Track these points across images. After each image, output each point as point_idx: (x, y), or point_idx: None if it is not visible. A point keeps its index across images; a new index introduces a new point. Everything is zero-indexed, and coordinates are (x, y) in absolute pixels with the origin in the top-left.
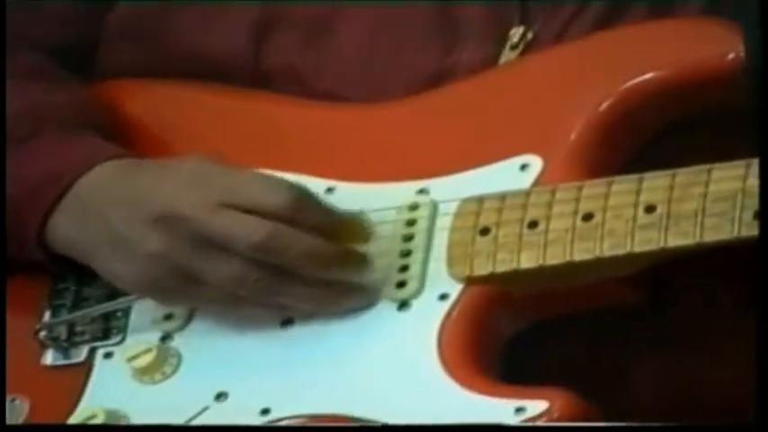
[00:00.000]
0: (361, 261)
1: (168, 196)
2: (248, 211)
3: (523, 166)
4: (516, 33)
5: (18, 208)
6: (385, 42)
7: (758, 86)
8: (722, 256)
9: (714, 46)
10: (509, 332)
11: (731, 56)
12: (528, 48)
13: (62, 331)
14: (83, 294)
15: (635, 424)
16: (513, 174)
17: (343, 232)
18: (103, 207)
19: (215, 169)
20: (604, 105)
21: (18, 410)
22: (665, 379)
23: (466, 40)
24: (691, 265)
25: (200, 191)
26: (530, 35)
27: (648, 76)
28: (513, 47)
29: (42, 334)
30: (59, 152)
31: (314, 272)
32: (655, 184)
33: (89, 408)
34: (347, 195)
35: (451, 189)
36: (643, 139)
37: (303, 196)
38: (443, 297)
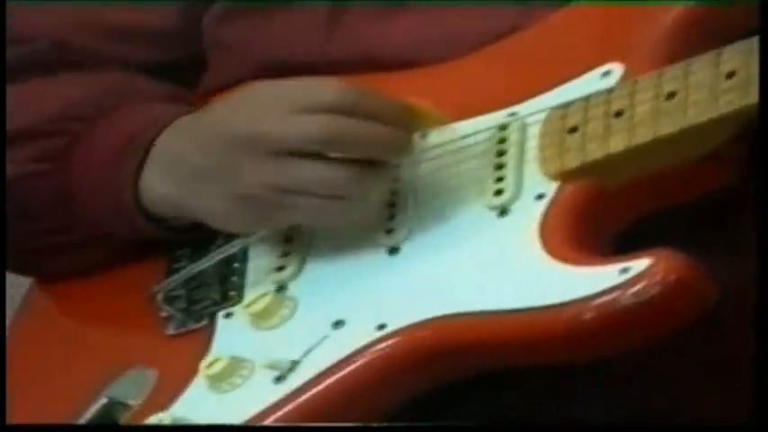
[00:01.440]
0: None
1: (230, 121)
2: (313, 112)
3: (605, 73)
4: None
5: (108, 174)
6: (460, 10)
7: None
8: None
9: None
10: (608, 230)
11: None
12: None
13: (182, 301)
14: (197, 263)
15: (634, 424)
16: (595, 81)
17: (410, 116)
18: (186, 151)
19: (276, 85)
20: (692, 3)
21: (147, 379)
22: None
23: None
24: None
25: (267, 109)
26: None
27: None
28: None
29: (163, 303)
30: (139, 117)
31: (379, 157)
32: (734, 53)
33: (213, 357)
34: (444, 135)
35: (538, 106)
36: (728, 35)
37: (353, 90)
38: (540, 197)
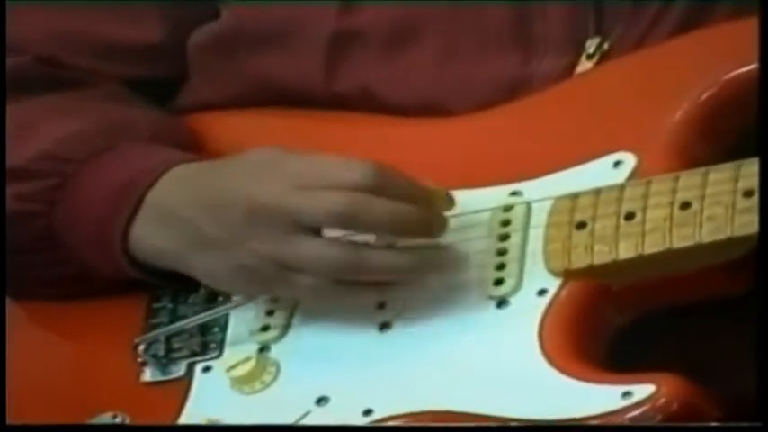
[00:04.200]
0: (443, 223)
1: (249, 192)
2: (331, 188)
3: (617, 163)
4: (592, 45)
5: (99, 224)
6: (462, 54)
7: (759, 89)
8: None
9: None
10: (611, 326)
11: None
12: (603, 58)
13: (160, 348)
14: (179, 312)
15: (635, 424)
16: (606, 171)
17: (426, 198)
18: (186, 212)
19: (283, 155)
20: (705, 96)
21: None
22: None
23: (543, 51)
24: None
25: (276, 180)
26: (606, 46)
27: (751, 67)
28: (590, 57)
29: (140, 348)
30: (131, 164)
31: (399, 234)
32: (752, 170)
33: (189, 421)
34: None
35: (544, 189)
36: (738, 132)
37: (377, 170)
38: (542, 292)
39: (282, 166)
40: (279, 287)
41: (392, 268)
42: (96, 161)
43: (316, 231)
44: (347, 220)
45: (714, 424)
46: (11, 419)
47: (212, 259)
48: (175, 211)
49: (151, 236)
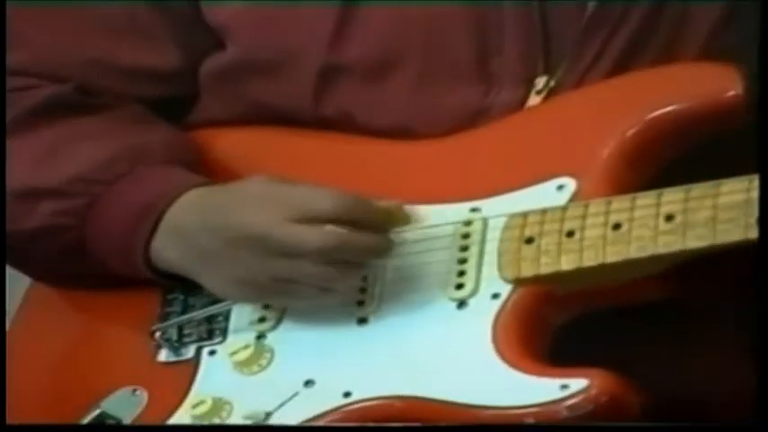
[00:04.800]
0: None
1: (247, 220)
2: (311, 221)
3: (560, 187)
4: (540, 82)
5: (124, 239)
6: (432, 86)
7: (758, 93)
8: (726, 261)
9: (717, 85)
10: (553, 325)
11: (732, 93)
12: (550, 93)
13: (173, 333)
14: (189, 303)
15: (636, 424)
16: (551, 193)
17: (388, 220)
18: (194, 232)
19: (277, 188)
20: (631, 132)
21: (138, 400)
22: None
23: (500, 86)
24: (704, 268)
25: (271, 210)
26: (552, 83)
27: (670, 108)
28: (538, 92)
29: (157, 335)
30: (150, 187)
31: (372, 260)
32: (672, 197)
33: (198, 396)
34: (413, 216)
35: (499, 207)
36: (662, 163)
37: (354, 203)
38: (495, 296)
39: (274, 198)
40: (273, 297)
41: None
42: (120, 183)
43: (299, 254)
44: (331, 254)
45: (714, 424)
46: (40, 396)
47: (215, 272)
48: (187, 231)
49: (167, 249)
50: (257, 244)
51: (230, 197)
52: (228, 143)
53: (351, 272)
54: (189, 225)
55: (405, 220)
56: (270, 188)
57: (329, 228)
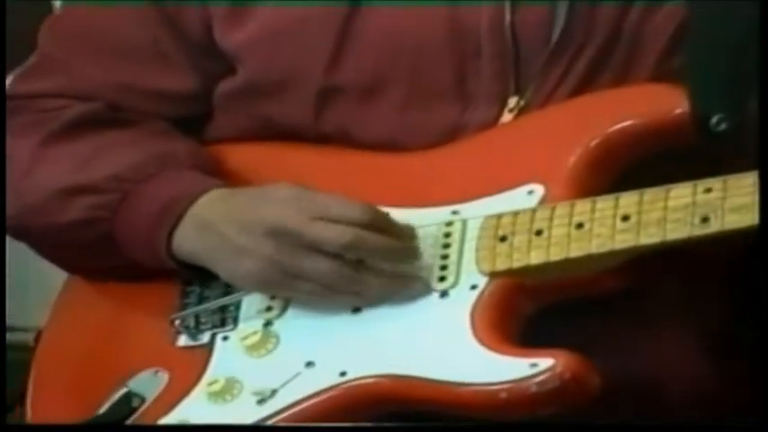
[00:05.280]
0: (415, 253)
1: (274, 213)
2: (334, 221)
3: (530, 192)
4: (512, 101)
5: (149, 230)
6: (417, 106)
7: (759, 92)
8: (677, 256)
9: (666, 104)
10: (525, 313)
11: (679, 111)
12: (520, 112)
13: (191, 321)
14: (205, 294)
15: (636, 424)
16: (522, 197)
17: (397, 234)
18: (218, 224)
19: (303, 192)
20: (592, 145)
21: (160, 380)
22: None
23: (476, 105)
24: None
25: (297, 209)
26: (522, 102)
27: (626, 124)
28: (510, 110)
29: (177, 323)
30: (176, 186)
31: (385, 263)
32: (628, 200)
33: (213, 376)
34: (402, 217)
35: (476, 210)
36: (619, 170)
37: (372, 210)
38: (474, 287)
39: (301, 199)
40: (280, 290)
41: (372, 285)
42: (148, 183)
43: (317, 250)
44: (351, 250)
45: (714, 425)
46: (74, 376)
47: (232, 263)
48: (210, 223)
49: (188, 241)
50: (284, 236)
51: (257, 196)
52: (239, 156)
53: (361, 274)
54: (213, 218)
55: (409, 235)
56: (295, 191)
57: (351, 227)
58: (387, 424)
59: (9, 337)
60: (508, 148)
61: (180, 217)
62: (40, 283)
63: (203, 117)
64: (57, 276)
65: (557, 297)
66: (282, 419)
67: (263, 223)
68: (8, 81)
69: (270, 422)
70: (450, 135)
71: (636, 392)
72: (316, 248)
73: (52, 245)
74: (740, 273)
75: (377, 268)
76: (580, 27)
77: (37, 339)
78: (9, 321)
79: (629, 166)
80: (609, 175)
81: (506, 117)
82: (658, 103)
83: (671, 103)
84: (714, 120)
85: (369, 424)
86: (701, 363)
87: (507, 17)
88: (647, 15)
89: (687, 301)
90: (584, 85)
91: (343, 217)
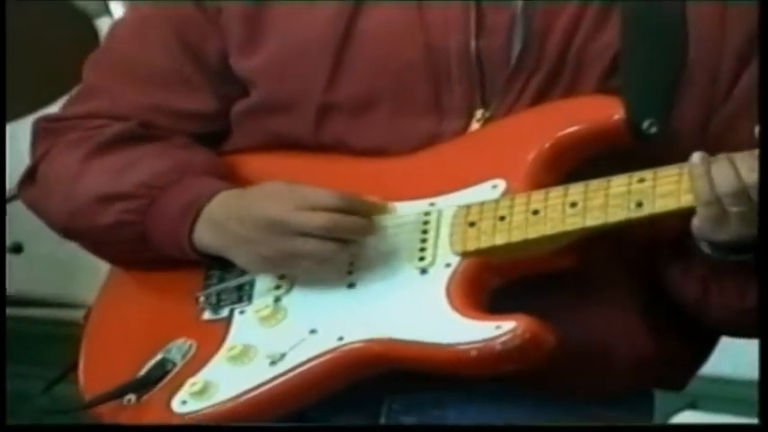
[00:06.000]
0: (375, 229)
1: (262, 209)
2: (313, 208)
3: (494, 186)
4: (479, 113)
5: (174, 229)
6: (401, 118)
7: (759, 89)
8: (616, 239)
9: (606, 112)
10: (491, 286)
11: (617, 117)
12: (486, 122)
13: (213, 299)
14: (224, 276)
15: (637, 425)
16: (487, 191)
17: (370, 209)
18: (226, 221)
19: (288, 187)
20: (546, 146)
21: (188, 348)
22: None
23: (449, 117)
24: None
25: (281, 202)
26: (488, 114)
27: (574, 128)
28: (478, 120)
29: (201, 300)
30: (192, 191)
31: (358, 237)
32: (575, 190)
33: (232, 343)
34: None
35: (449, 201)
36: (569, 167)
37: (343, 197)
38: (448, 265)
39: (285, 193)
40: (285, 269)
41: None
42: (171, 188)
43: (304, 233)
44: (330, 230)
45: (714, 424)
46: (119, 347)
47: (243, 251)
48: (220, 221)
49: (205, 236)
50: (274, 226)
51: (252, 195)
52: (252, 163)
53: (343, 247)
54: (221, 217)
55: (382, 209)
56: (281, 186)
57: (326, 213)
58: (388, 424)
59: (62, 313)
60: (476, 150)
61: (196, 217)
62: (88, 271)
63: (221, 134)
64: (104, 265)
65: (518, 273)
66: (290, 377)
67: (259, 217)
68: (59, 106)
69: (278, 380)
70: (429, 142)
71: (584, 356)
72: (302, 232)
73: (96, 242)
74: (667, 253)
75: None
76: (533, 52)
77: (86, 317)
78: (63, 300)
79: (577, 163)
80: (560, 171)
81: (474, 126)
82: (599, 111)
83: (610, 111)
84: (645, 124)
85: (368, 424)
86: (639, 331)
87: (473, 44)
88: (589, 43)
89: (626, 278)
90: (539, 100)
91: (320, 204)
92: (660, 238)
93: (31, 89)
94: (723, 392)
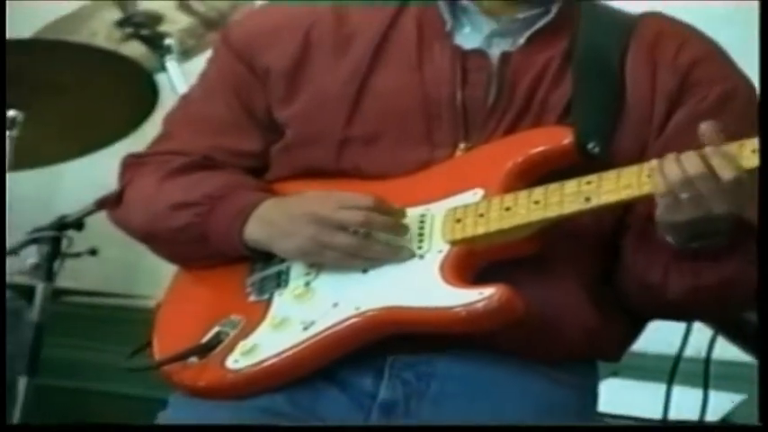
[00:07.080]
0: (406, 229)
1: (312, 206)
2: (351, 209)
3: (475, 193)
4: (462, 145)
5: (229, 230)
6: (402, 148)
7: (760, 89)
8: (568, 231)
9: (560, 137)
10: (476, 266)
11: (567, 141)
12: (467, 151)
13: (258, 284)
14: (265, 268)
15: (635, 424)
16: (469, 197)
17: (394, 213)
18: (274, 219)
19: (327, 192)
20: (517, 162)
21: (239, 322)
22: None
23: (439, 148)
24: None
25: (326, 203)
26: (469, 145)
27: (537, 149)
28: (461, 150)
29: (249, 284)
30: (244, 200)
31: (387, 234)
32: (538, 191)
33: (274, 316)
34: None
35: (440, 207)
36: (534, 179)
37: (377, 199)
38: (440, 251)
39: (328, 197)
40: (320, 259)
41: (379, 253)
42: (228, 197)
43: (342, 228)
44: (361, 225)
45: (714, 424)
46: (186, 325)
47: (284, 243)
48: (270, 219)
49: (255, 234)
50: (319, 221)
51: (296, 199)
52: (289, 187)
53: (371, 244)
54: (269, 215)
55: (400, 212)
56: (322, 192)
57: (363, 211)
58: (389, 424)
59: (139, 303)
60: (460, 168)
61: (246, 218)
62: (148, 270)
63: (265, 168)
64: (161, 267)
65: (494, 257)
66: (319, 339)
67: (307, 212)
68: (144, 149)
69: (311, 341)
70: (423, 166)
71: (542, 324)
72: (341, 227)
73: (167, 241)
74: (608, 243)
75: (381, 240)
76: (505, 99)
77: (158, 306)
78: (128, 292)
79: (540, 176)
80: (527, 183)
81: (458, 154)
82: (556, 136)
83: (563, 136)
84: (590, 145)
85: (372, 424)
86: (586, 306)
87: (459, 94)
88: (550, 92)
89: (577, 262)
90: (512, 131)
91: (357, 205)
92: (627, 230)
93: (82, 135)
94: (640, 364)
